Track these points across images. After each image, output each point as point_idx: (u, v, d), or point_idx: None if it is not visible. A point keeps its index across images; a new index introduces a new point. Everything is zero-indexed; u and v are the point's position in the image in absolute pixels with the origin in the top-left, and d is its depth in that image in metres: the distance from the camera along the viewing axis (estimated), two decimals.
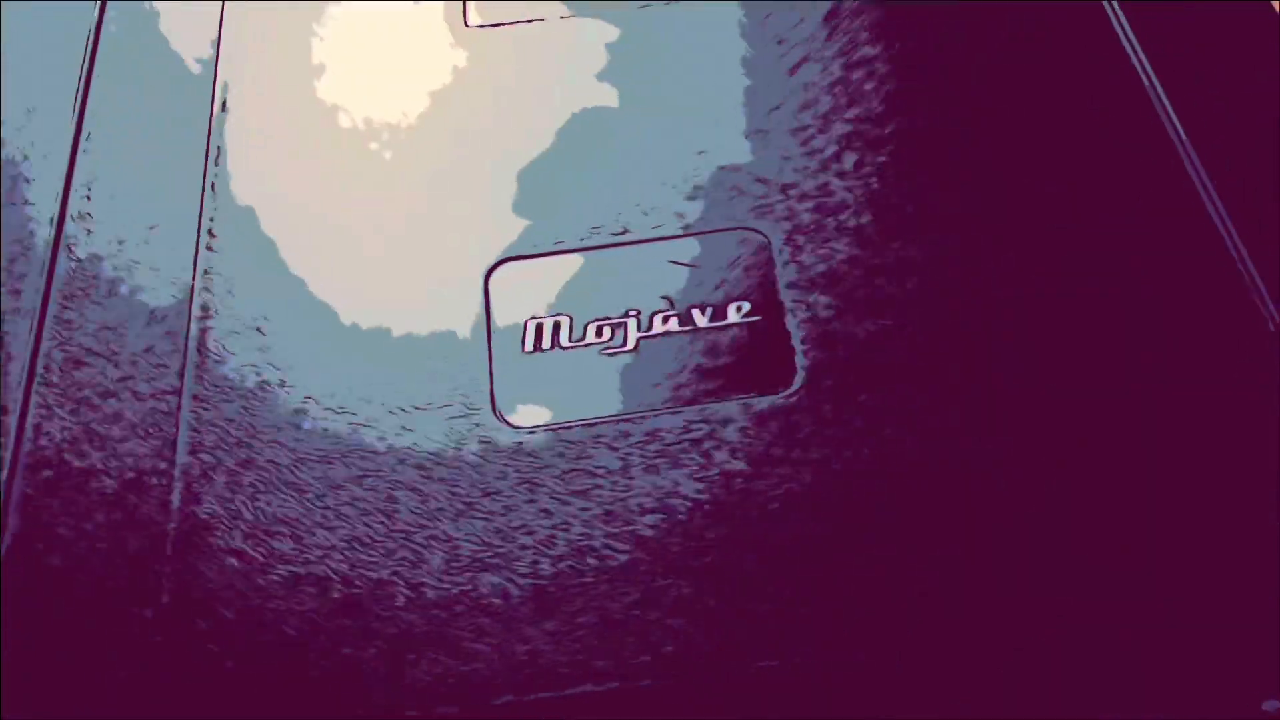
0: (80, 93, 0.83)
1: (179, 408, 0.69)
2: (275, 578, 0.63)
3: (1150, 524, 0.63)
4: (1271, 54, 0.81)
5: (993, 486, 0.64)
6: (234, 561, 0.64)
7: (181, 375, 0.71)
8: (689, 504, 0.64)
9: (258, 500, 0.66)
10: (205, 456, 0.67)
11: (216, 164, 0.79)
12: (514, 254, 0.75)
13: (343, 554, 0.64)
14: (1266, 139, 0.77)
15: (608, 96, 0.82)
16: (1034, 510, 0.63)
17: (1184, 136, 0.76)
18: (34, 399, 0.70)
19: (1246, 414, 0.66)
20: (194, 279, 0.75)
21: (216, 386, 0.70)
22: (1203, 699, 0.59)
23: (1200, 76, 0.79)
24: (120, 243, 0.77)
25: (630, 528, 0.64)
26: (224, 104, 0.83)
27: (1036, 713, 0.59)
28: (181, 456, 0.67)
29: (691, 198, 0.76)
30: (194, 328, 0.73)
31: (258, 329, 0.73)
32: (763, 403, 0.68)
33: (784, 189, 0.76)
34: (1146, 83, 0.79)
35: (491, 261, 0.75)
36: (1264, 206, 0.73)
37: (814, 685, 0.59)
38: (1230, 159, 0.75)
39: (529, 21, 0.87)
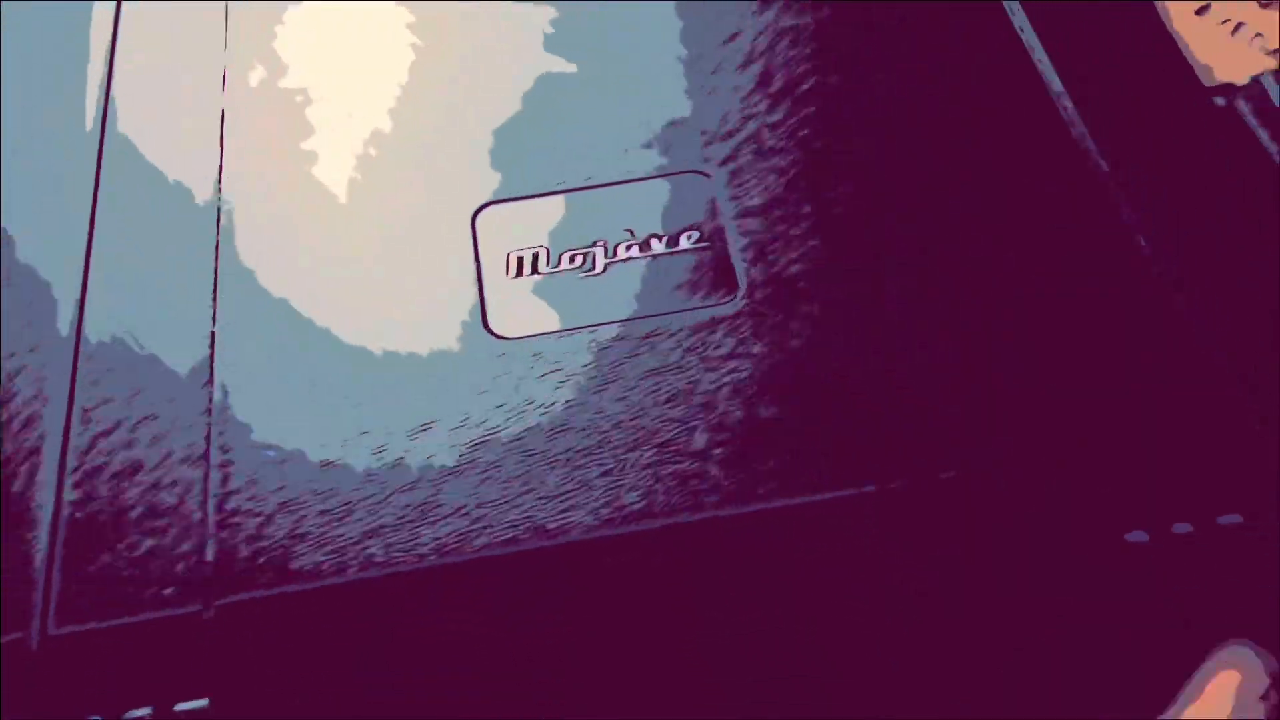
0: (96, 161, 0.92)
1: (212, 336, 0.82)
2: (312, 467, 0.76)
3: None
4: (1156, 53, 0.92)
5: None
6: (273, 454, 0.76)
7: (214, 300, 0.83)
8: (650, 392, 0.78)
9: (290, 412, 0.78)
10: (242, 374, 0.80)
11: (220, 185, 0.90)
12: (496, 199, 0.88)
13: (364, 444, 0.76)
14: (1161, 134, 0.87)
15: (575, 66, 0.96)
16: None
17: (1084, 128, 0.88)
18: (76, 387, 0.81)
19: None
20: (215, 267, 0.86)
21: (246, 313, 0.83)
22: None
23: (1095, 74, 0.91)
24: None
25: (601, 414, 0.77)
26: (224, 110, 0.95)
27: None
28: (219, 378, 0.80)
29: (646, 147, 0.90)
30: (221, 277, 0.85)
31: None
32: (710, 312, 0.81)
33: (725, 137, 0.90)
34: (1044, 75, 0.92)
35: (476, 205, 0.88)
36: (1164, 199, 0.83)
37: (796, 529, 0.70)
38: (1128, 152, 0.86)
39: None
